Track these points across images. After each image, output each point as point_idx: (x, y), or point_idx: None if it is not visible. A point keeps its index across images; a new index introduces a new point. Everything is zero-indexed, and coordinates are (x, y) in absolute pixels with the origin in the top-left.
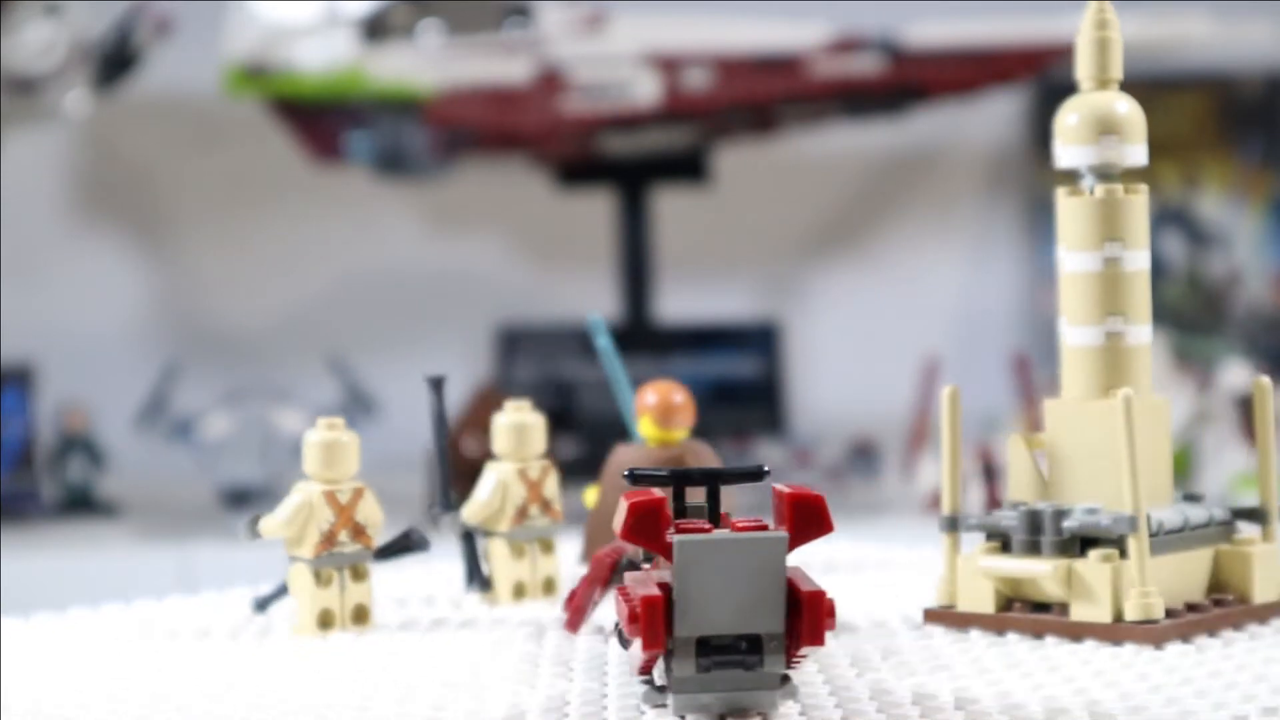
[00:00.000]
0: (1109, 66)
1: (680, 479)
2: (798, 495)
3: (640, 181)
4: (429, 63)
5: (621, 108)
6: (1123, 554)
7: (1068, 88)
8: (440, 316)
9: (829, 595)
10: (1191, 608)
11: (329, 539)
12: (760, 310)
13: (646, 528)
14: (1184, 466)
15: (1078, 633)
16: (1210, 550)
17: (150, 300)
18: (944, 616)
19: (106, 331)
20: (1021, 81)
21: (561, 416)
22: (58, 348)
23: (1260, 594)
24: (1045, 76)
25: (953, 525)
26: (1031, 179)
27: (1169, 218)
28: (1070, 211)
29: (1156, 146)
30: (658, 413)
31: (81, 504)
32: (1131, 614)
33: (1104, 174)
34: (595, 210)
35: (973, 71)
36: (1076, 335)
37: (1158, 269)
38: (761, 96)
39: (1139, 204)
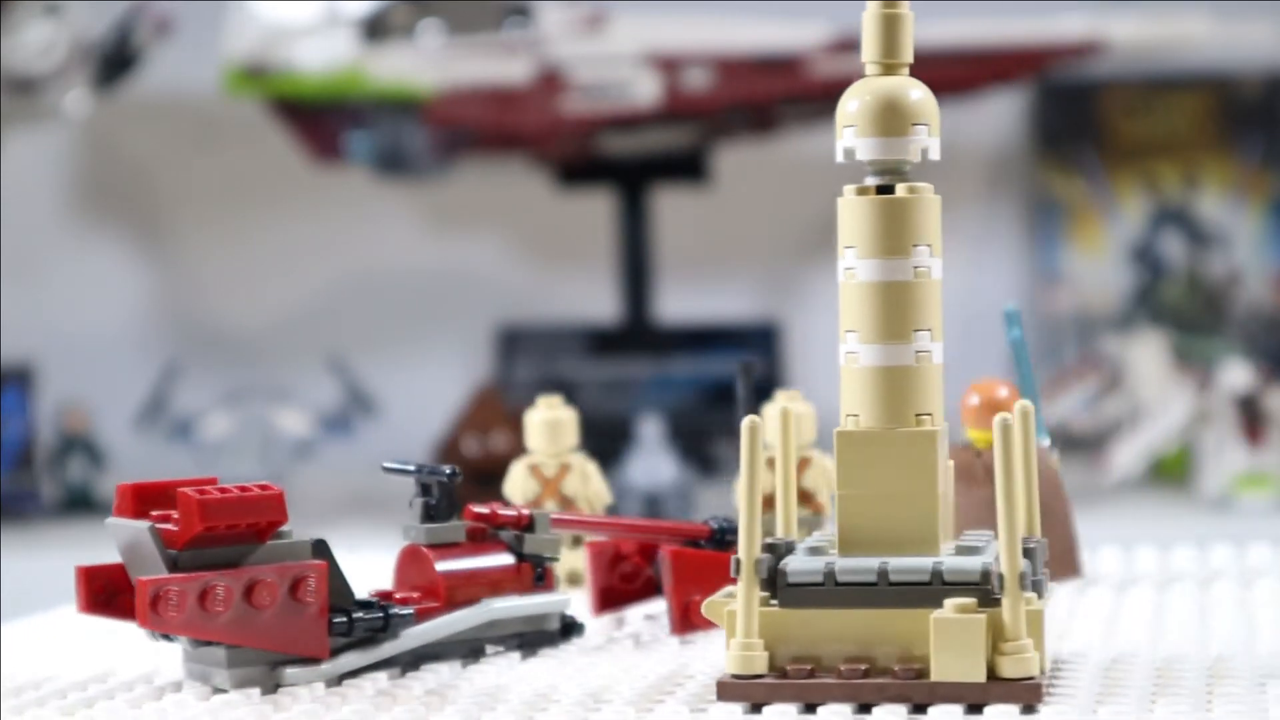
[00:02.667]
0: (899, 48)
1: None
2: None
3: (640, 181)
4: (429, 63)
5: (621, 108)
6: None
7: (1068, 88)
8: (440, 316)
9: None
10: (875, 672)
11: (533, 506)
12: (760, 310)
13: None
14: (1183, 467)
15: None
16: (919, 611)
17: (150, 300)
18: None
19: (106, 331)
20: (1021, 81)
21: None
22: (58, 348)
23: (941, 670)
24: (1045, 76)
25: (762, 578)
26: (1031, 179)
27: (1169, 218)
28: (863, 213)
29: (1156, 146)
30: (983, 412)
31: (81, 504)
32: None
33: (897, 170)
34: (595, 210)
35: (973, 71)
36: (876, 355)
37: (1158, 269)
38: (761, 96)
39: (935, 205)
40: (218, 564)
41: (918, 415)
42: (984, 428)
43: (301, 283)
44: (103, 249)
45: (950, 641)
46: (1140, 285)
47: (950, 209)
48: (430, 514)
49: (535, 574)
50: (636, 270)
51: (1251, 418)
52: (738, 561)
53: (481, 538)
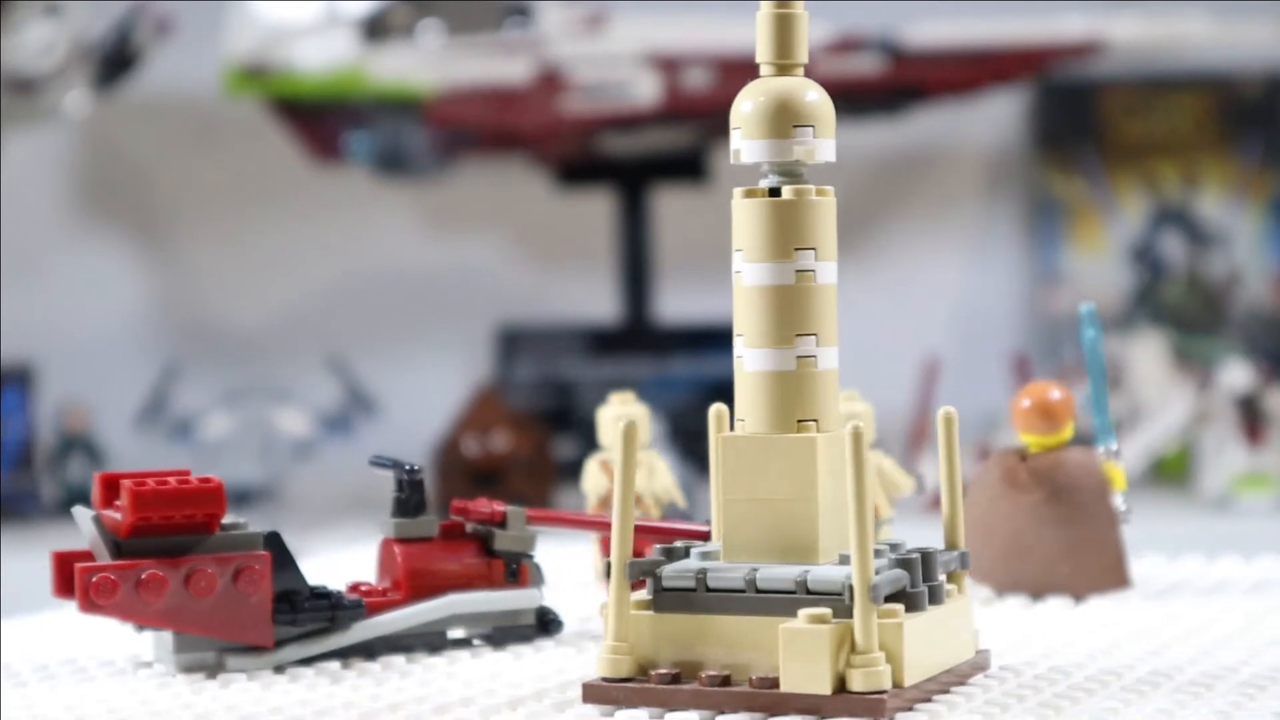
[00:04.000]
0: (793, 48)
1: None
2: None
3: (640, 181)
4: (429, 63)
5: (621, 108)
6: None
7: (1068, 88)
8: (440, 316)
9: None
10: (736, 680)
11: (604, 503)
12: None
13: None
14: (1183, 467)
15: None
16: (782, 619)
17: (150, 300)
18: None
19: (106, 331)
20: (1021, 81)
21: (561, 416)
22: (58, 348)
23: (789, 680)
24: (1045, 76)
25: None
26: (1031, 179)
27: (1169, 218)
28: (751, 215)
29: (1156, 146)
30: (1033, 416)
31: (81, 504)
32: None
33: (790, 172)
34: (595, 210)
35: (973, 71)
36: (760, 359)
37: (1158, 269)
38: None
39: (829, 208)
40: (164, 552)
41: (800, 421)
42: (1034, 431)
43: (301, 283)
44: (103, 249)
45: (798, 652)
46: (1140, 285)
47: (950, 209)
48: (401, 509)
49: (508, 570)
50: (636, 270)
51: (1251, 418)
52: (608, 564)
53: (459, 534)
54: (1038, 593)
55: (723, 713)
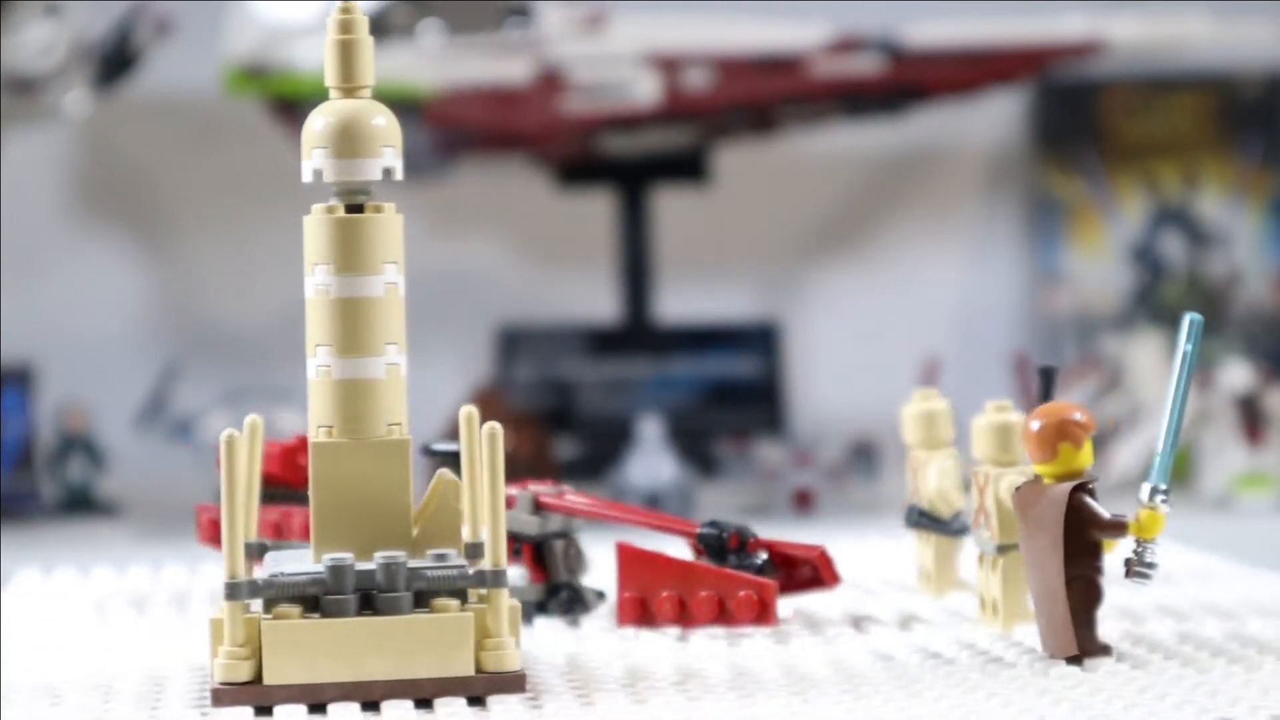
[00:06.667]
0: (356, 73)
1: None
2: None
3: (640, 181)
4: (429, 63)
5: (621, 108)
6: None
7: (1068, 88)
8: (440, 316)
9: None
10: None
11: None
12: (760, 310)
13: None
14: (1183, 467)
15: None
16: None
17: (150, 300)
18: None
19: (106, 331)
20: (1021, 81)
21: (561, 417)
22: (58, 348)
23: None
24: (1045, 76)
25: (241, 592)
26: (1031, 179)
27: (1169, 218)
28: (326, 232)
29: (1157, 146)
30: (1026, 439)
31: (81, 504)
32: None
33: (363, 190)
34: (595, 210)
35: (973, 71)
36: (348, 368)
37: (1158, 269)
38: (761, 96)
39: (396, 223)
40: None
41: (389, 425)
42: (1032, 458)
43: (301, 283)
44: (103, 249)
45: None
46: (1140, 285)
47: (950, 209)
48: None
49: (512, 549)
50: (636, 270)
51: (1251, 418)
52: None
53: None
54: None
55: (373, 703)
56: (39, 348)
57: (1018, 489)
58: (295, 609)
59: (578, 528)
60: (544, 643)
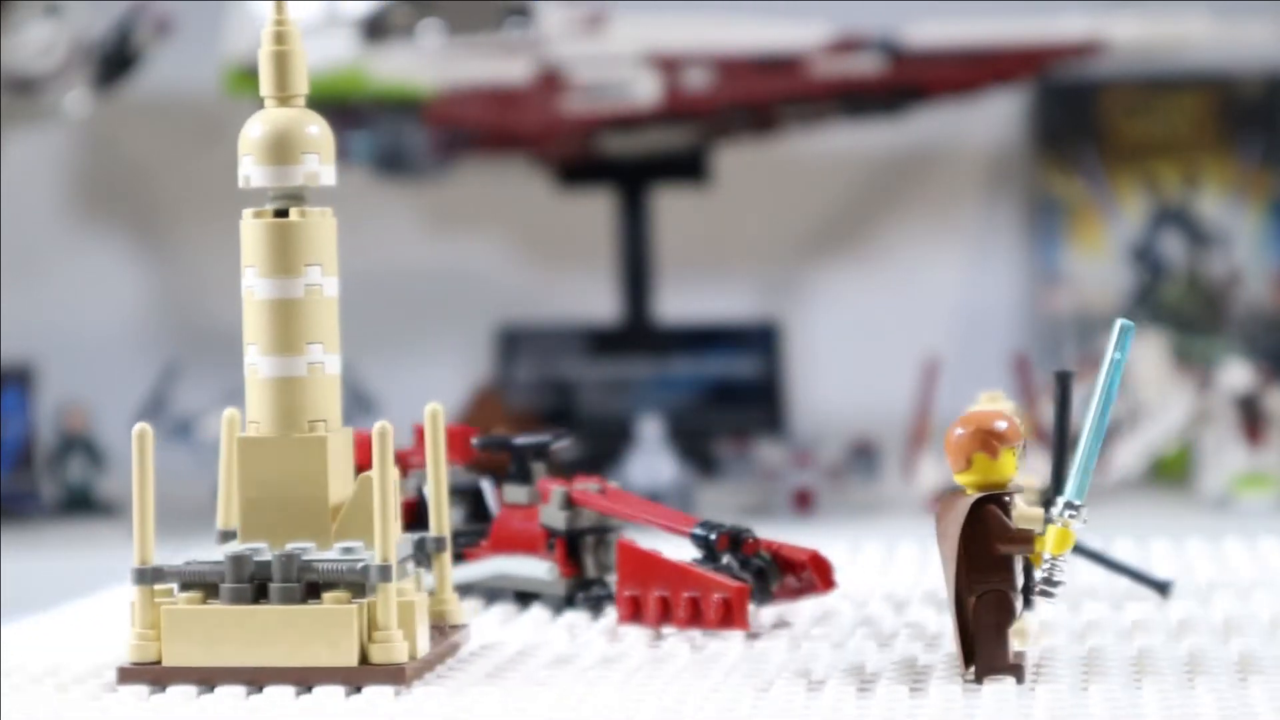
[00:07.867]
0: (290, 82)
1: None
2: None
3: (640, 181)
4: (429, 63)
5: (621, 108)
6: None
7: (1068, 88)
8: (440, 316)
9: None
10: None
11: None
12: (760, 310)
13: None
14: (1183, 467)
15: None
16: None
17: (150, 300)
18: (143, 673)
19: (106, 331)
20: (1021, 81)
21: (561, 416)
22: (58, 348)
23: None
24: (1045, 76)
25: (148, 577)
26: (1031, 179)
27: (1169, 218)
28: (262, 235)
29: (1157, 146)
30: (966, 446)
31: (81, 504)
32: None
33: (294, 196)
34: (595, 210)
35: (973, 71)
36: (273, 366)
37: (1158, 269)
38: (761, 96)
39: (331, 228)
40: None
41: (311, 422)
42: (958, 468)
43: None
44: (103, 249)
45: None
46: (1140, 285)
47: (950, 209)
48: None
49: (547, 543)
50: (636, 270)
51: (1251, 418)
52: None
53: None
54: None
55: (258, 686)
56: (39, 348)
57: (939, 498)
58: (199, 595)
59: (616, 525)
60: (520, 635)
